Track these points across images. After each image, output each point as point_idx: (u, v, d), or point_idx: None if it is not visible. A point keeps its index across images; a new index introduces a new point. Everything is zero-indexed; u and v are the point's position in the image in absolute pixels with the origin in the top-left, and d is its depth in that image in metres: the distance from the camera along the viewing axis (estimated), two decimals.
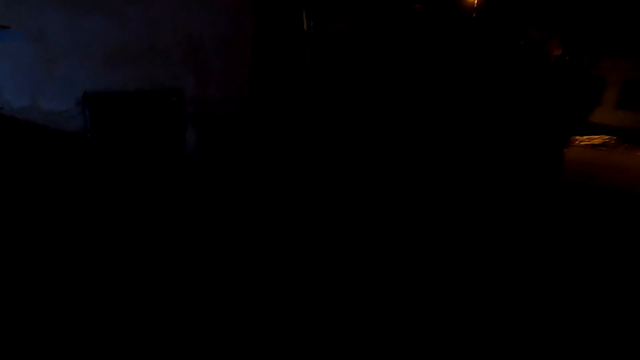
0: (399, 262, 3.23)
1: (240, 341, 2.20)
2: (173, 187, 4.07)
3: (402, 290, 2.80)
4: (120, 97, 4.05)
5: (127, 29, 4.00)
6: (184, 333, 2.26)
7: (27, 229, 2.92)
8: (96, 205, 3.57)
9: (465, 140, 5.78)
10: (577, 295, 2.82)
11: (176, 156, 4.44)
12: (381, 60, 6.48)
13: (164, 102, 4.27)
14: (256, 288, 2.71)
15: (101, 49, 3.92)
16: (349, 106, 6.07)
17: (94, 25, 3.86)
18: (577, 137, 12.50)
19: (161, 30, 4.18)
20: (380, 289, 2.79)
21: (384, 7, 6.94)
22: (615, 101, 13.67)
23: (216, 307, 2.50)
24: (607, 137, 12.70)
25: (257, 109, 4.96)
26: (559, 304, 2.70)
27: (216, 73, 4.62)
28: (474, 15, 7.81)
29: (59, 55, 3.78)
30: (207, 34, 4.48)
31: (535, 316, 2.55)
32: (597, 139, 12.60)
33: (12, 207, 3.01)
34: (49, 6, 3.62)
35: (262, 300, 2.57)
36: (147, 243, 3.11)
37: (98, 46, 3.91)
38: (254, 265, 3.02)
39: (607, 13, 8.89)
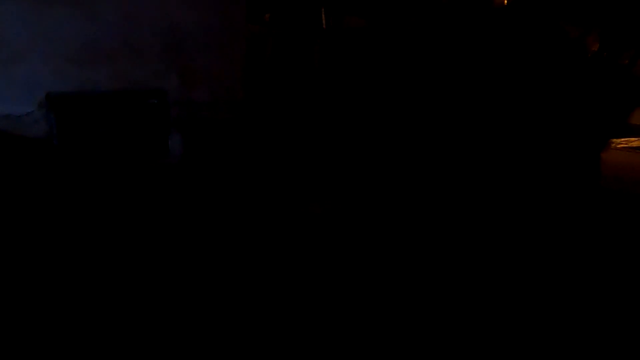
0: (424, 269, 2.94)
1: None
2: (154, 202, 3.57)
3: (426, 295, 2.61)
4: (90, 98, 3.56)
5: (97, 21, 3.51)
6: None
7: None
8: (60, 225, 3.09)
9: (499, 142, 5.17)
10: (614, 315, 2.46)
11: (158, 166, 3.93)
12: (404, 60, 5.90)
13: (142, 104, 3.77)
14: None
15: (67, 44, 3.44)
16: (369, 114, 5.51)
17: (58, 18, 3.39)
18: (614, 140, 11.68)
19: (137, 22, 3.68)
20: (394, 291, 2.62)
21: (406, 0, 6.36)
22: None
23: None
24: None
25: (253, 113, 4.42)
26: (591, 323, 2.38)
27: (204, 71, 4.09)
28: (505, 9, 7.15)
29: (19, 52, 3.32)
30: (193, 26, 3.95)
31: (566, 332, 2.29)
32: (635, 141, 11.73)
33: None
34: None
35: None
36: (117, 272, 2.60)
37: (64, 41, 3.43)
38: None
39: None
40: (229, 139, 4.34)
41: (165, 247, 2.92)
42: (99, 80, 3.60)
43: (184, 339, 2.06)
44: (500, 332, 2.20)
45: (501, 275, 2.81)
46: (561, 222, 3.91)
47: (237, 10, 4.12)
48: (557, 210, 4.27)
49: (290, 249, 3.06)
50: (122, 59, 3.66)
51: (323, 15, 5.96)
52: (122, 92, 3.68)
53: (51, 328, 2.06)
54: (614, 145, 12.25)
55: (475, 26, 5.65)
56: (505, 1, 7.32)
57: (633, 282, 2.83)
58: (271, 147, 4.82)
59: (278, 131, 4.94)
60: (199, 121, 4.16)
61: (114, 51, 3.62)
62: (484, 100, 5.40)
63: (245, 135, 4.43)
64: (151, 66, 3.81)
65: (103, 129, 3.65)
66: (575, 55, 5.60)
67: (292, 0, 6.08)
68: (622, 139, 11.98)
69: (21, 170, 3.32)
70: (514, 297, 2.51)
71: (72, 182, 3.55)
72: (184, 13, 3.90)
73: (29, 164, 3.39)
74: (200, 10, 3.97)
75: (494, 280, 2.73)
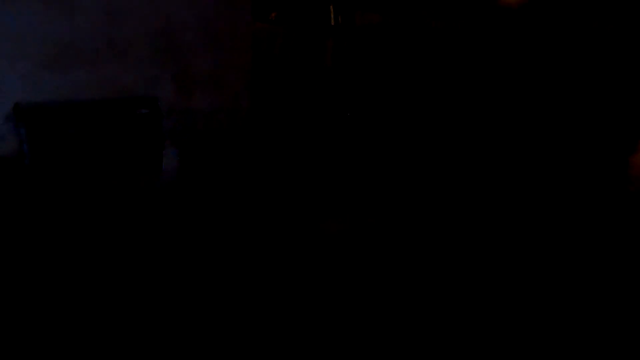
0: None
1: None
2: (143, 231, 3.01)
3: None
4: (67, 108, 3.01)
5: (75, 18, 2.96)
6: None
7: None
8: (32, 260, 2.54)
9: (521, 141, 4.67)
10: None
11: (149, 186, 3.37)
12: (425, 59, 5.34)
13: (131, 114, 3.21)
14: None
15: (39, 45, 2.89)
16: (389, 118, 4.94)
17: (28, 14, 2.84)
18: None
19: (124, 18, 3.13)
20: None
21: None
22: None
23: None
24: None
25: (259, 122, 3.84)
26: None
27: (203, 75, 3.53)
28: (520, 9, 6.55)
29: None
30: (190, 23, 3.39)
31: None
32: None
33: None
34: None
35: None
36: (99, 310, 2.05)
37: (35, 42, 2.88)
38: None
39: None
40: (233, 152, 3.77)
41: (149, 295, 2.35)
42: (79, 87, 3.05)
43: None
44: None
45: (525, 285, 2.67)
46: (584, 227, 3.63)
47: (241, 7, 3.55)
48: (581, 215, 3.89)
49: (302, 280, 2.56)
50: (105, 62, 3.10)
51: (332, 11, 5.38)
52: (107, 101, 3.13)
53: None
54: None
55: (498, 23, 5.15)
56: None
57: None
58: (280, 159, 4.25)
59: (287, 142, 4.36)
60: (198, 133, 3.59)
61: (96, 53, 3.07)
62: (505, 98, 4.95)
63: (251, 148, 3.86)
64: (141, 70, 3.26)
65: (83, 145, 3.09)
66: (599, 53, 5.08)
67: None
68: None
69: None
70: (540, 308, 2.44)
71: (46, 212, 3.00)
72: (180, 9, 3.34)
73: None
74: (199, 6, 3.41)
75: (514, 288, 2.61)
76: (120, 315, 2.19)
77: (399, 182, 4.26)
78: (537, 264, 2.98)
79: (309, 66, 5.06)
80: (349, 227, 3.40)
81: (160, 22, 3.25)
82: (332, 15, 5.47)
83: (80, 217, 3.08)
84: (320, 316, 2.32)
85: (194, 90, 3.51)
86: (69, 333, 2.05)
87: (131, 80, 3.23)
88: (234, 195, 3.61)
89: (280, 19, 5.50)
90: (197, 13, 3.41)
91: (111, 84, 3.16)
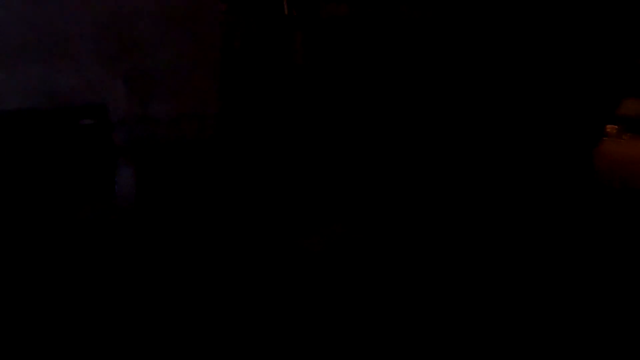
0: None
1: None
2: (94, 274, 2.37)
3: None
4: None
5: None
6: None
7: None
8: None
9: (473, 141, 4.46)
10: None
11: (100, 214, 2.71)
12: (399, 53, 4.84)
13: (70, 127, 2.53)
14: None
15: None
16: (365, 126, 4.44)
17: None
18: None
19: (58, 5, 2.42)
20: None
21: None
22: None
23: None
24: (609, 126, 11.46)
25: (231, 130, 3.23)
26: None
27: (163, 74, 2.86)
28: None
29: None
30: (145, 8, 2.71)
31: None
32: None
33: None
34: None
35: None
36: None
37: None
38: None
39: None
40: (202, 167, 3.14)
41: None
42: None
43: None
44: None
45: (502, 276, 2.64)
46: (554, 219, 3.61)
47: None
48: (550, 207, 3.82)
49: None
50: (33, 62, 2.39)
51: (285, 1, 4.69)
52: (37, 110, 2.43)
53: None
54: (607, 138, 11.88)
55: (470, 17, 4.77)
56: None
57: (630, 280, 2.75)
58: (256, 170, 3.64)
59: (263, 151, 3.76)
60: (159, 146, 2.94)
61: (20, 50, 2.35)
62: (477, 96, 4.70)
63: (223, 160, 3.24)
64: (82, 71, 2.56)
65: (7, 166, 2.40)
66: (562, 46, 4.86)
67: None
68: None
69: None
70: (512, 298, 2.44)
71: None
72: None
73: None
74: None
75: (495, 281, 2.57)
76: None
77: (384, 191, 3.79)
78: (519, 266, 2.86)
79: (277, 63, 4.41)
80: (335, 244, 2.92)
81: (106, 8, 2.55)
82: (285, 5, 4.77)
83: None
84: None
85: (151, 93, 2.84)
86: None
87: (69, 84, 2.53)
88: (204, 217, 3.00)
89: (237, 8, 4.76)
90: None
91: (42, 89, 2.46)
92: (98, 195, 2.70)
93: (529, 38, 4.66)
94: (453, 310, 2.35)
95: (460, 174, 4.20)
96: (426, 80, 4.83)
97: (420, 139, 4.50)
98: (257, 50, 4.40)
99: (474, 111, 4.67)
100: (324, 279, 2.47)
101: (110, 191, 2.75)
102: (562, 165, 4.86)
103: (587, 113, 4.97)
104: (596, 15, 4.76)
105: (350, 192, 3.65)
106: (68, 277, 2.33)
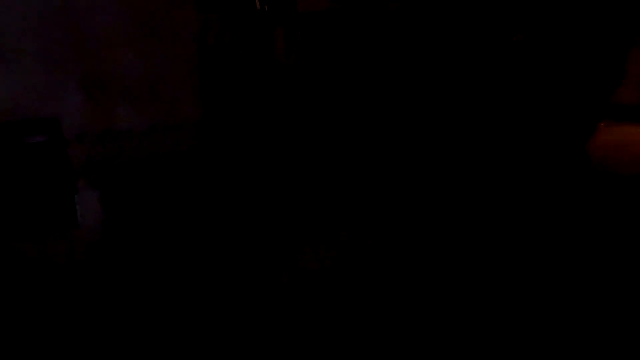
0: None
1: None
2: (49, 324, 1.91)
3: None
4: None
5: None
6: None
7: None
8: None
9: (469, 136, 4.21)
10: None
11: (58, 250, 2.22)
12: (387, 49, 4.49)
13: (14, 145, 2.05)
14: None
15: None
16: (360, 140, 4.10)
17: None
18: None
19: None
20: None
21: None
22: None
23: None
24: None
25: (213, 143, 2.76)
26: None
27: (129, 78, 2.39)
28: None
29: None
30: (103, 1, 2.24)
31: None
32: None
33: None
34: None
35: None
36: None
37: None
38: None
39: None
40: (182, 183, 2.68)
41: None
42: None
43: None
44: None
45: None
46: (551, 211, 3.41)
47: None
48: (547, 196, 3.69)
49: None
50: None
51: None
52: None
53: None
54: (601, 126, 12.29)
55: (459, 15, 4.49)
56: None
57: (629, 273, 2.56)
58: (241, 185, 3.20)
59: (248, 163, 3.32)
60: (128, 163, 2.46)
61: None
62: (470, 90, 4.48)
63: (200, 179, 2.77)
64: (28, 77, 2.08)
65: None
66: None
67: None
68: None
69: None
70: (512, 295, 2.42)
71: None
72: None
73: None
74: None
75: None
76: None
77: (381, 194, 3.48)
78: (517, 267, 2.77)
79: (260, 62, 3.95)
80: (334, 260, 2.58)
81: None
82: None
83: None
84: None
85: (116, 101, 2.36)
86: None
87: (12, 94, 2.05)
88: (188, 247, 2.53)
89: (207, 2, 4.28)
90: None
91: None
92: (55, 225, 2.22)
93: (523, 32, 4.46)
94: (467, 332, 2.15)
95: (457, 166, 3.97)
96: (417, 76, 4.52)
97: (412, 136, 4.22)
98: (235, 50, 3.94)
99: (468, 106, 4.45)
100: (320, 299, 2.20)
101: (70, 221, 2.26)
102: (557, 154, 4.73)
103: (581, 102, 4.83)
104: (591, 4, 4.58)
105: (348, 198, 3.29)
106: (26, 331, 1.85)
